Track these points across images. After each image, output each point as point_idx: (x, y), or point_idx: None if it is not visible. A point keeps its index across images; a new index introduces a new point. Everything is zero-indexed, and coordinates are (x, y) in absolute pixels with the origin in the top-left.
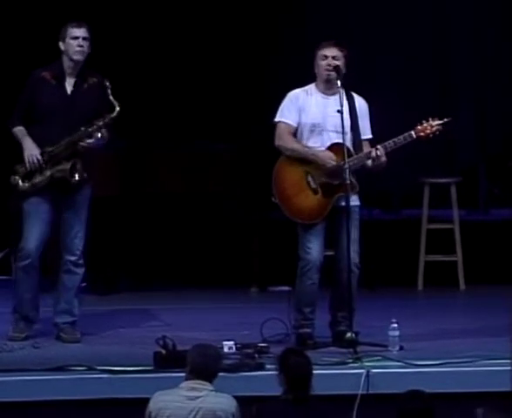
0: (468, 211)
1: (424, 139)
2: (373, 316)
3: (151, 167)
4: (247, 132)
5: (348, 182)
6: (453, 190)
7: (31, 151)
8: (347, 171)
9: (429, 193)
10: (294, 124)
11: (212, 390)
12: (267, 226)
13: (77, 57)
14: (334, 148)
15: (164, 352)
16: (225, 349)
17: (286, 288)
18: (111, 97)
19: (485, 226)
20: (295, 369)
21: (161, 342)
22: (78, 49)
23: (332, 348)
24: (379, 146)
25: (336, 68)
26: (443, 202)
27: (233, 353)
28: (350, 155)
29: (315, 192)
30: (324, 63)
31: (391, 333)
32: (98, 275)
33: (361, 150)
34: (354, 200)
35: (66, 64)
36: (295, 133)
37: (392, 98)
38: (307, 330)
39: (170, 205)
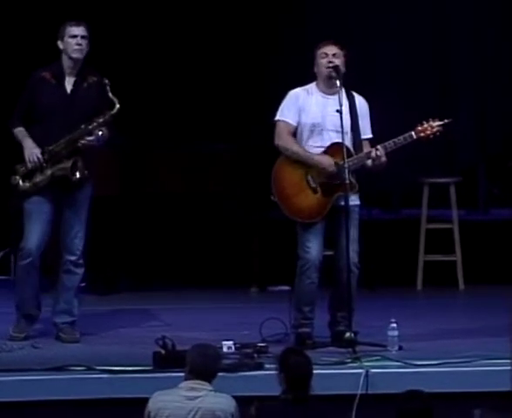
0: (468, 211)
1: (424, 140)
2: (372, 316)
3: (151, 167)
4: (247, 132)
5: (348, 182)
6: (452, 190)
7: (32, 150)
8: (347, 170)
9: (429, 193)
10: (294, 124)
11: (211, 390)
12: (267, 226)
13: (76, 55)
14: (334, 148)
15: (163, 352)
16: (225, 349)
17: (285, 288)
18: (110, 95)
19: (484, 226)
20: (295, 369)
21: (161, 342)
22: (77, 47)
23: (331, 348)
24: (379, 146)
25: (336, 68)
26: (443, 202)
27: (232, 353)
28: (350, 155)
29: (315, 191)
30: (324, 60)
31: (390, 333)
32: (98, 275)
33: (361, 150)
34: (354, 200)
35: (66, 63)
36: (295, 132)
37: (392, 98)
38: (306, 329)
39: (170, 205)
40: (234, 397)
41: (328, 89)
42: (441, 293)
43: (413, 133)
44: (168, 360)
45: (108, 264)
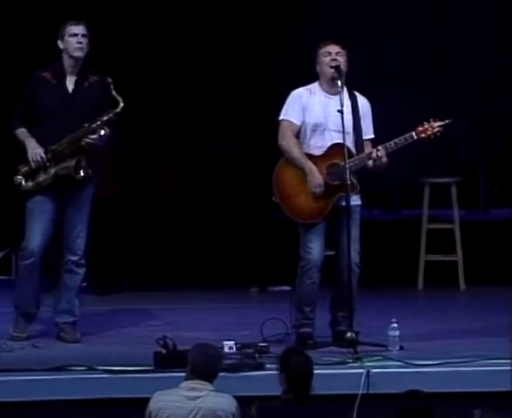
0: (468, 211)
1: (425, 140)
2: (373, 316)
3: (151, 167)
4: (247, 132)
5: (349, 182)
6: (453, 190)
7: (35, 149)
8: (348, 171)
9: (429, 193)
10: (298, 123)
11: (212, 390)
12: (267, 226)
13: (77, 54)
14: (335, 148)
15: (164, 352)
16: (226, 349)
17: (286, 288)
18: (114, 93)
19: (485, 226)
20: (296, 369)
21: (161, 342)
22: (78, 45)
23: (332, 348)
24: (379, 147)
25: (337, 68)
26: (443, 202)
27: (234, 353)
28: (351, 155)
29: None
30: (328, 59)
31: (391, 332)
32: (98, 275)
33: (363, 150)
34: (355, 200)
35: (66, 62)
36: (299, 132)
37: (392, 98)
38: (308, 329)
39: (170, 205)
40: (235, 397)
41: (331, 88)
42: (441, 293)
43: (413, 134)
44: (169, 359)
45: (108, 264)
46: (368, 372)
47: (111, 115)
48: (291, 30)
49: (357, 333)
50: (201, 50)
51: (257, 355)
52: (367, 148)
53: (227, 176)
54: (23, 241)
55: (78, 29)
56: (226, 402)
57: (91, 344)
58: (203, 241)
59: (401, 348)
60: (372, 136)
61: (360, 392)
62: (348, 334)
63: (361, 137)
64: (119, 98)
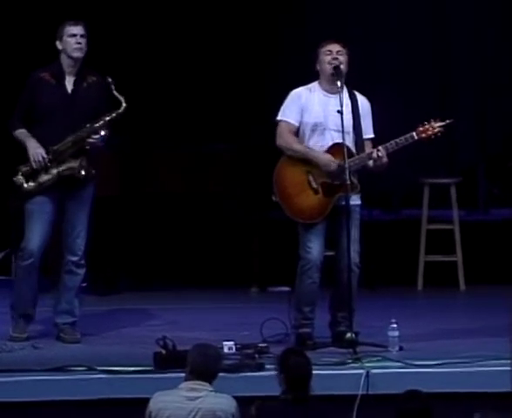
0: (468, 211)
1: (425, 141)
2: (373, 316)
3: (151, 167)
4: (247, 132)
5: (349, 182)
6: (453, 190)
7: (36, 149)
8: (348, 171)
9: (429, 193)
10: (296, 124)
11: (211, 391)
12: (267, 226)
13: (76, 54)
14: (335, 148)
15: (164, 352)
16: (225, 349)
17: (286, 288)
18: (115, 93)
19: (485, 226)
20: (295, 369)
21: (161, 342)
22: (77, 46)
23: (331, 348)
24: (380, 147)
25: (336, 68)
26: (443, 202)
27: (233, 354)
28: (351, 155)
29: (316, 191)
30: (329, 57)
31: (391, 333)
32: (98, 275)
33: (363, 150)
34: (355, 200)
35: (65, 62)
36: (297, 133)
37: (392, 98)
38: (307, 330)
39: (170, 205)
40: (235, 397)
41: (331, 88)
42: (441, 293)
43: (414, 134)
44: (169, 360)
45: (108, 264)
46: (368, 372)
47: (113, 115)
48: (291, 30)
49: (357, 334)
50: (201, 51)
51: (257, 356)
52: (368, 148)
53: (227, 176)
54: (22, 242)
55: (77, 29)
56: (226, 403)
57: (91, 344)
58: (203, 241)
59: (401, 349)
60: (372, 135)
61: (360, 392)
62: (348, 335)
63: (361, 136)
64: (121, 98)
